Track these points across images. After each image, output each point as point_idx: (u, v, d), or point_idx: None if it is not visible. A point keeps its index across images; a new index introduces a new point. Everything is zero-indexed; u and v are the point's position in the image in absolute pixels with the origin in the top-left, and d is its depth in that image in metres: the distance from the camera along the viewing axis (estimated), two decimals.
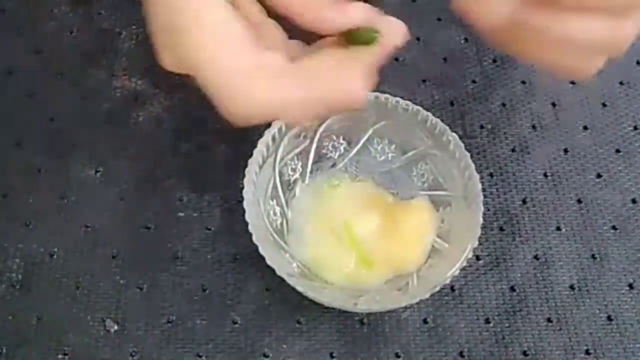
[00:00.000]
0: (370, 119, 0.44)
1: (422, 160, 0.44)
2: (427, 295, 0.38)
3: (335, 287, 0.41)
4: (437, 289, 0.38)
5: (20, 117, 0.47)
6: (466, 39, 0.52)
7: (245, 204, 0.39)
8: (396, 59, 0.51)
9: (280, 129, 0.42)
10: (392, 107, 0.43)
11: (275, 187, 0.43)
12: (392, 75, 0.50)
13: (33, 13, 0.52)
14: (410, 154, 0.44)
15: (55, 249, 0.43)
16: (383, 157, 0.45)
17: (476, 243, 0.39)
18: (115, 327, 0.41)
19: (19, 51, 0.50)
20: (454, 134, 0.42)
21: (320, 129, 0.44)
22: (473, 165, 0.41)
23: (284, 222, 0.43)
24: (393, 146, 0.45)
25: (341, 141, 0.45)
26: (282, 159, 0.43)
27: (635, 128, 0.49)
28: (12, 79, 0.49)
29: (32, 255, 0.43)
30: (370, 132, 0.44)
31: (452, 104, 0.49)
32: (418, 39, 0.52)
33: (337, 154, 0.45)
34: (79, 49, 0.50)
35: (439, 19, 0.53)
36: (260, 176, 0.41)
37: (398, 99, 0.42)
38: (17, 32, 0.51)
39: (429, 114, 0.42)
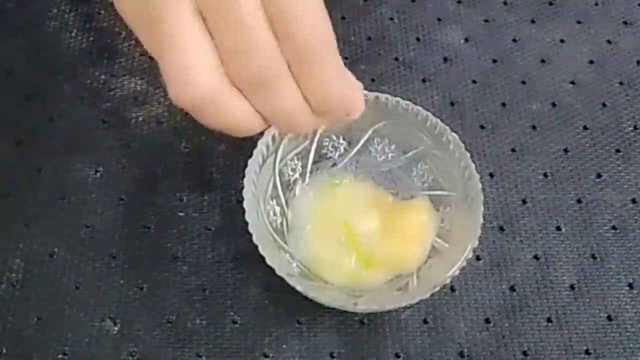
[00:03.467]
0: (370, 119, 0.44)
1: (422, 160, 0.44)
2: (427, 295, 0.38)
3: (335, 287, 0.41)
4: (437, 289, 0.38)
5: (20, 117, 0.47)
6: (466, 39, 0.52)
7: (245, 204, 0.39)
8: (396, 59, 0.51)
9: None
10: (392, 107, 0.43)
11: (275, 187, 0.43)
12: (392, 75, 0.50)
13: (33, 13, 0.52)
14: (410, 154, 0.44)
15: (55, 249, 0.43)
16: (383, 157, 0.45)
17: (476, 243, 0.39)
18: (115, 327, 0.41)
19: (18, 51, 0.50)
20: (454, 134, 0.42)
21: (320, 129, 0.44)
22: (473, 165, 0.41)
23: (284, 222, 0.43)
24: (393, 146, 0.45)
25: (341, 141, 0.45)
26: (282, 159, 0.43)
27: (635, 128, 0.49)
28: (12, 79, 0.49)
29: (32, 255, 0.43)
30: (370, 132, 0.44)
31: (452, 104, 0.49)
32: (418, 39, 0.52)
33: (337, 154, 0.45)
34: (79, 49, 0.50)
35: (439, 19, 0.53)
36: (260, 176, 0.41)
37: (398, 99, 0.42)
38: (16, 32, 0.51)
39: (429, 114, 0.42)
